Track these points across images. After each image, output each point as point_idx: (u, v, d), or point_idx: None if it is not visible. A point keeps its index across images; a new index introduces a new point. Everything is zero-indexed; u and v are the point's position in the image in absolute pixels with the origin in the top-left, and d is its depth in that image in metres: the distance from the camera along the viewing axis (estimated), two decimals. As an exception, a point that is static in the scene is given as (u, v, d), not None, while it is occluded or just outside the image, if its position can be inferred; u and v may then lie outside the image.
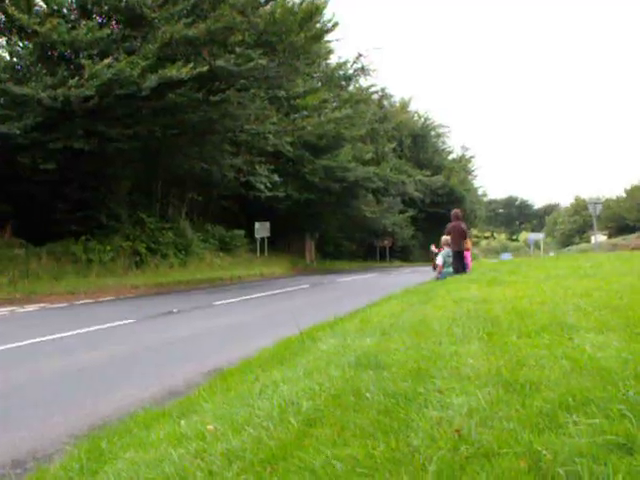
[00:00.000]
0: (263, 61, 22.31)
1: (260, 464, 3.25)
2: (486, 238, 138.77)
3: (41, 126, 20.17)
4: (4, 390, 6.97)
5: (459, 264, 17.42)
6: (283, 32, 23.31)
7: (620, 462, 2.77)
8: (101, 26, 21.28)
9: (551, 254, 70.37)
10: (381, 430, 3.49)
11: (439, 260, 18.19)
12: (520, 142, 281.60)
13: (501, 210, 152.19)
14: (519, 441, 3.11)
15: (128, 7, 21.68)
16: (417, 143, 65.86)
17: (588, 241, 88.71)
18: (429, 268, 19.87)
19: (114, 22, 23.16)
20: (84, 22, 20.81)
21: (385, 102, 60.24)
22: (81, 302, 17.27)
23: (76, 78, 19.69)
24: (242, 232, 36.84)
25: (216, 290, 22.30)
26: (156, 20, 21.49)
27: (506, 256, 72.27)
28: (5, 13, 20.87)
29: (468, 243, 18.68)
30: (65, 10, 22.48)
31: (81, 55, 20.91)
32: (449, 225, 17.90)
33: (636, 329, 5.78)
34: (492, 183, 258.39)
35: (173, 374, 7.64)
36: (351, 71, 44.24)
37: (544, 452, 2.93)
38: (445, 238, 17.97)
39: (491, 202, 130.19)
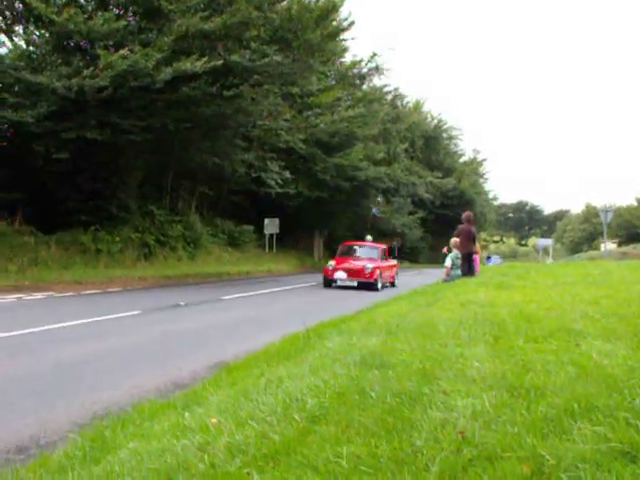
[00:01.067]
0: (278, 57, 22.29)
1: (263, 459, 3.25)
2: (495, 242, 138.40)
3: (54, 115, 20.21)
4: (9, 377, 7.00)
5: (467, 267, 17.39)
6: (299, 29, 23.27)
7: (624, 470, 2.77)
8: (118, 17, 21.30)
9: (549, 261, 68.71)
10: (385, 429, 3.50)
11: (447, 262, 18.13)
12: (532, 147, 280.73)
13: (511, 215, 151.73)
14: (523, 445, 3.10)
15: (145, -1, 21.74)
16: (429, 145, 65.73)
17: (597, 249, 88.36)
18: (437, 270, 19.46)
19: (131, 14, 23.20)
20: (101, 13, 20.83)
21: (398, 102, 60.14)
22: (88, 292, 17.33)
23: (91, 68, 19.71)
24: (251, 228, 36.86)
25: (224, 285, 22.35)
26: (172, 13, 21.48)
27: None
28: (23, 2, 20.92)
29: (477, 246, 18.64)
30: (82, 0, 22.53)
31: (97, 46, 20.94)
32: (459, 227, 17.87)
33: (644, 338, 5.76)
34: (503, 187, 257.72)
35: (179, 366, 7.66)
36: (365, 70, 44.16)
37: (547, 457, 2.93)
38: (454, 240, 17.93)
39: (501, 206, 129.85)
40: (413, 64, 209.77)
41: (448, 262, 18.05)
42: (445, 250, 18.87)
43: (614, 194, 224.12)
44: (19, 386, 6.62)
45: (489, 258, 72.17)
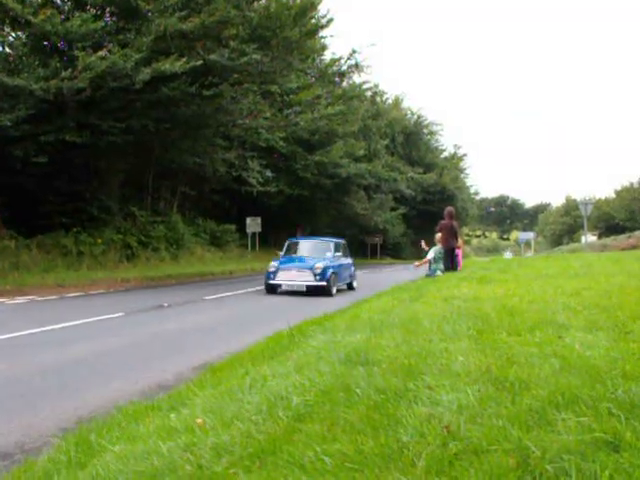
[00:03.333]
0: (257, 56, 22.25)
1: (249, 458, 3.25)
2: (477, 237, 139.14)
3: (33, 118, 20.02)
4: (-7, 382, 6.94)
5: (450, 262, 17.45)
6: (277, 27, 23.24)
7: (607, 459, 2.79)
8: (95, 18, 21.15)
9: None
10: (371, 426, 3.50)
11: (430, 255, 18.07)
12: (512, 141, 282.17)
13: (492, 209, 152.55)
14: (508, 438, 3.12)
15: (122, -1, 21.61)
16: (409, 140, 65.84)
17: (578, 241, 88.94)
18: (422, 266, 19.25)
19: (108, 14, 23.04)
20: (78, 13, 20.69)
21: (378, 99, 60.22)
22: (71, 295, 17.20)
23: (69, 70, 19.57)
24: (233, 227, 36.82)
25: (207, 284, 22.27)
26: (150, 13, 21.38)
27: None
28: (-2, 3, 20.74)
29: (459, 241, 18.69)
30: (59, 1, 22.36)
31: (74, 47, 20.78)
32: (441, 222, 17.89)
33: (625, 328, 5.81)
34: (484, 182, 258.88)
35: (163, 368, 7.63)
36: (345, 67, 44.13)
37: (533, 449, 2.95)
38: (439, 235, 17.95)
39: (483, 201, 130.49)
40: (392, 61, 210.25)
41: (430, 254, 17.96)
42: (424, 245, 18.70)
43: (593, 186, 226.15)
44: (4, 390, 6.56)
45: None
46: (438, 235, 18.07)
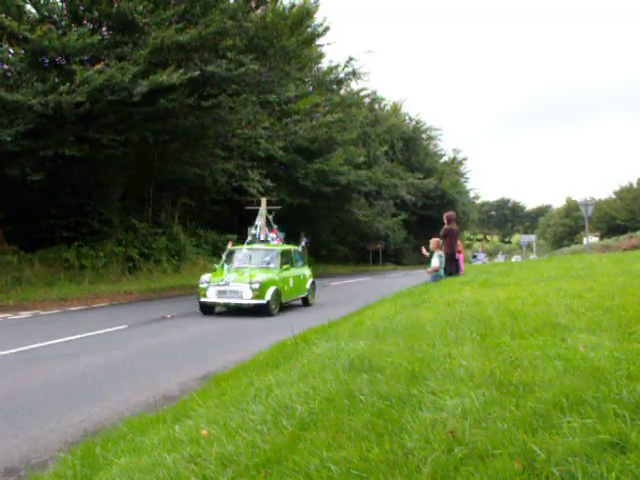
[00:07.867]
0: (254, 66, 22.27)
1: (255, 468, 3.25)
2: (479, 240, 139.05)
3: (32, 133, 20.05)
4: (-3, 397, 6.94)
5: (453, 267, 17.39)
6: (274, 37, 23.28)
7: (614, 461, 2.78)
8: (92, 32, 21.19)
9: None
10: (375, 432, 3.49)
11: (436, 262, 17.57)
12: (511, 144, 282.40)
13: (493, 212, 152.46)
14: (513, 442, 3.11)
15: (119, 13, 21.60)
16: (409, 146, 65.84)
17: (580, 242, 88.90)
18: (422, 271, 18.92)
19: (105, 28, 23.09)
20: (75, 28, 20.73)
21: (376, 105, 60.26)
22: (74, 309, 17.21)
23: (67, 84, 19.61)
24: (235, 237, 36.77)
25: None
26: (147, 26, 21.41)
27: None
28: (-5, 20, 20.79)
29: (460, 246, 18.61)
30: (56, 16, 22.38)
31: (72, 61, 20.80)
32: (446, 228, 17.62)
33: (628, 329, 5.80)
34: (484, 185, 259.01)
35: (167, 379, 7.63)
36: (342, 75, 44.20)
37: (538, 452, 2.94)
38: (436, 240, 17.72)
39: (483, 204, 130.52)
40: (390, 66, 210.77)
41: (436, 262, 17.50)
42: (425, 252, 18.11)
43: (593, 187, 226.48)
44: (8, 405, 6.56)
45: (475, 257, 71.46)
46: (436, 240, 17.84)
